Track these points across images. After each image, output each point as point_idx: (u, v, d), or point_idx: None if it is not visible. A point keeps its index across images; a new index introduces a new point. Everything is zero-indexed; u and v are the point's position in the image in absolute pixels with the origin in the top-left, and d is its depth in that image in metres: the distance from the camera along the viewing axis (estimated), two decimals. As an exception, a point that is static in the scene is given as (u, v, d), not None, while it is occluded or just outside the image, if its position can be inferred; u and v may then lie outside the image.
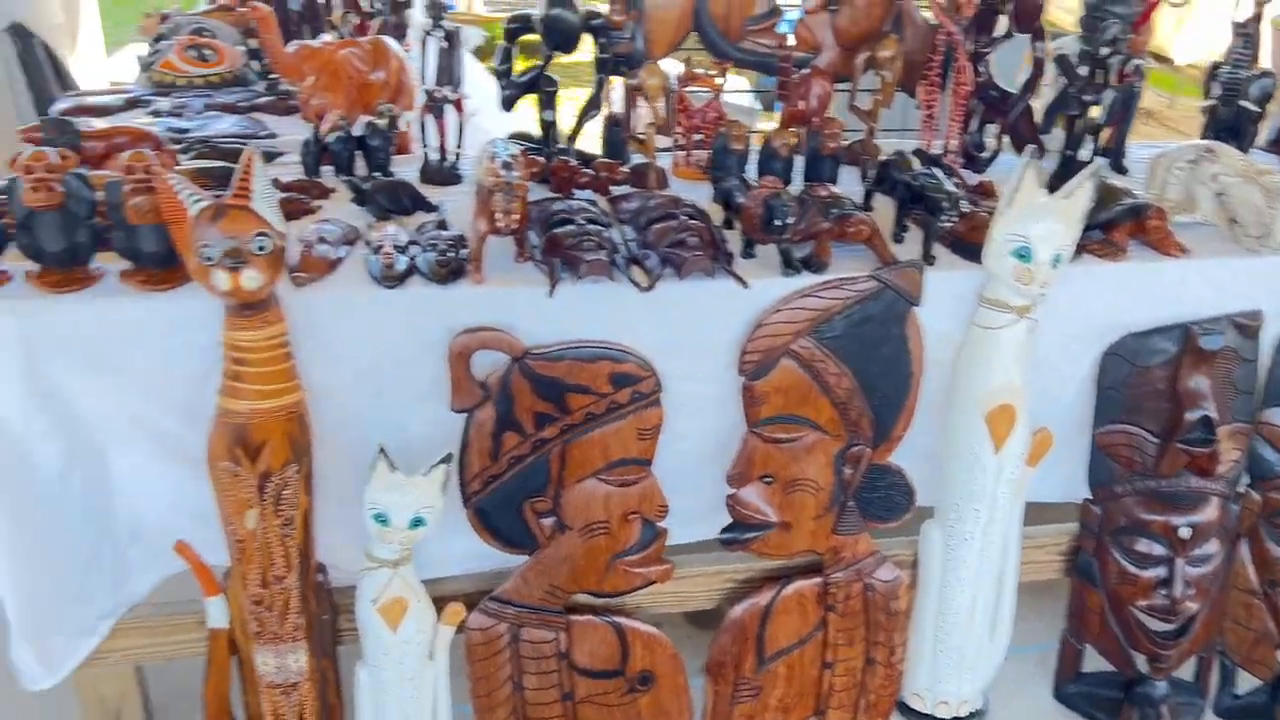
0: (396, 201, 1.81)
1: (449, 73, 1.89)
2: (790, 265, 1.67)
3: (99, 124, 2.04)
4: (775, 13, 2.10)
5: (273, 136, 2.19)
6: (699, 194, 1.91)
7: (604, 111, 2.07)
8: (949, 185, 1.82)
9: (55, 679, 1.66)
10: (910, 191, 1.79)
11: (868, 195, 1.92)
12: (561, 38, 1.91)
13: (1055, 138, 2.13)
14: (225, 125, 2.24)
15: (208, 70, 2.56)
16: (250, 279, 1.37)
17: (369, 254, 1.62)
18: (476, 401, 1.60)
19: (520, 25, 1.99)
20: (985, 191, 1.97)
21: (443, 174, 1.98)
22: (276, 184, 1.89)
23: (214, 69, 2.56)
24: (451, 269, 1.58)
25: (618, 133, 2.10)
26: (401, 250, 1.62)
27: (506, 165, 1.53)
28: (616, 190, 1.96)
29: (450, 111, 1.97)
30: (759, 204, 1.63)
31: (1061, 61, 2.04)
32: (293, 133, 2.24)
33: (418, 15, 1.87)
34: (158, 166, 1.36)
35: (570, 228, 1.67)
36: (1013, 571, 1.88)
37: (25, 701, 1.69)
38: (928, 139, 2.19)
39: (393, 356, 1.61)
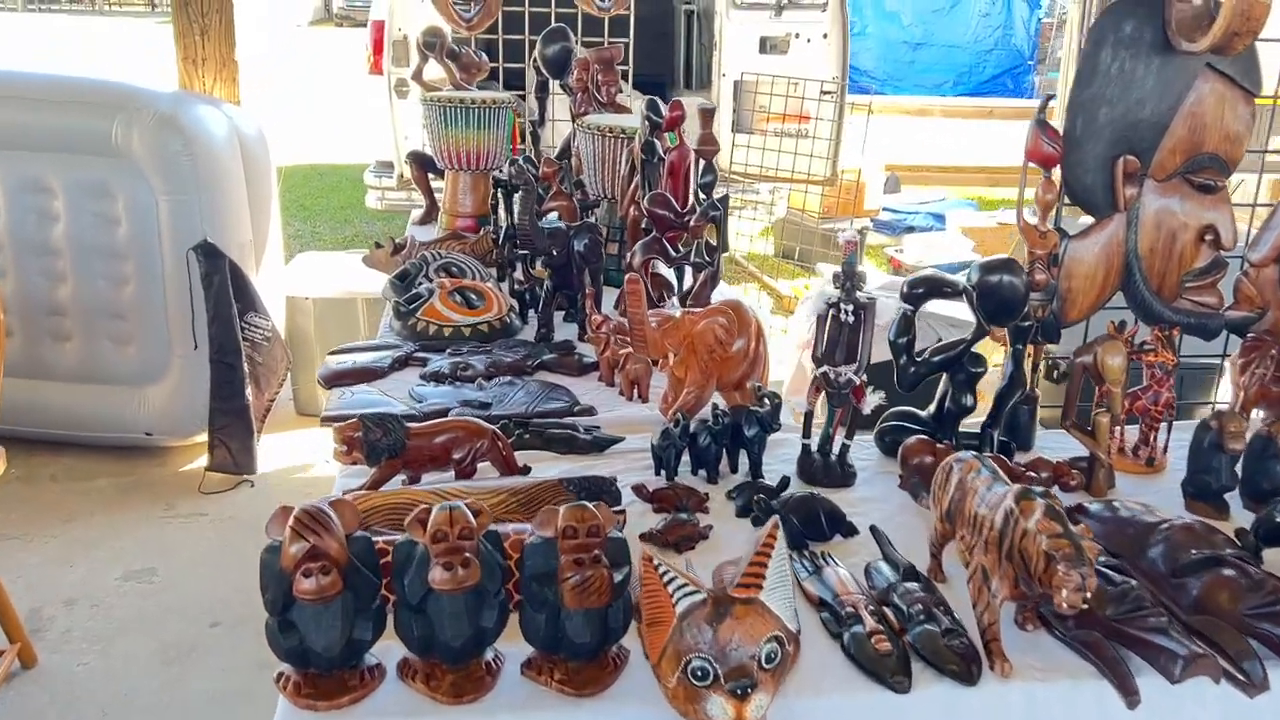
0: (813, 525, 1.38)
1: (852, 351, 1.50)
2: None
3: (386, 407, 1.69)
4: (1219, 266, 1.69)
5: (592, 412, 1.81)
6: (1143, 494, 1.51)
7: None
8: None
9: None
10: None
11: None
12: (1000, 309, 1.51)
13: None
14: (525, 395, 1.87)
15: (476, 319, 2.22)
16: (758, 708, 0.93)
17: (839, 625, 1.18)
18: None
19: (926, 289, 1.61)
20: None
21: (831, 475, 1.56)
22: (642, 493, 1.50)
23: (483, 316, 2.23)
24: (970, 660, 1.12)
25: (1026, 413, 1.68)
26: (875, 616, 1.18)
27: (1054, 514, 1.08)
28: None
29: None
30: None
31: None
32: (603, 404, 1.87)
33: (825, 284, 1.49)
34: (647, 553, 0.95)
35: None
36: None
37: None
38: None
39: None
